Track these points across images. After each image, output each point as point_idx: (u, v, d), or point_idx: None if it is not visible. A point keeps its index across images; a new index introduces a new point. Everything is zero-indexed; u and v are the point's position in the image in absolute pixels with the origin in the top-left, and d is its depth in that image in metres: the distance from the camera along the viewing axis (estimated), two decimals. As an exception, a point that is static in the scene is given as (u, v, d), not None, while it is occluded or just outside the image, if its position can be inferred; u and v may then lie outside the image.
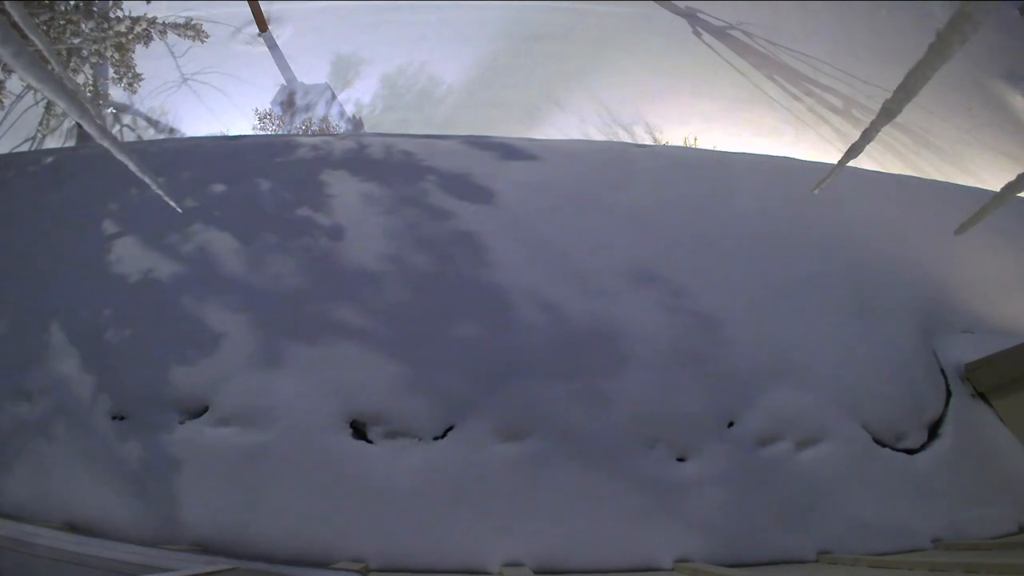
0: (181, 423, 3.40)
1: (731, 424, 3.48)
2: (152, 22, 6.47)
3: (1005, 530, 3.27)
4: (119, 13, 6.46)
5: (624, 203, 4.49)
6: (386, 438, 3.37)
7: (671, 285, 3.98)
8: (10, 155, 5.80)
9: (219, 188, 4.53)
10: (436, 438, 3.38)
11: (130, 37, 6.36)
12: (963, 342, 3.99)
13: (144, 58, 6.96)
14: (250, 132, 7.81)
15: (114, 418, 3.43)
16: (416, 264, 4.02)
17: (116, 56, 6.49)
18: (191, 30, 6.74)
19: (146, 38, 6.50)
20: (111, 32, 6.22)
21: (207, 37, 6.92)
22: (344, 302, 3.81)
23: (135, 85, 6.88)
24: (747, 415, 3.50)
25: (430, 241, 4.15)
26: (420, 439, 3.37)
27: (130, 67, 6.70)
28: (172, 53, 8.52)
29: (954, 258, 4.34)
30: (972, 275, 4.30)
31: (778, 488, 3.32)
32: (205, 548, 3.03)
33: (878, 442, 3.54)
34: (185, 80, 8.56)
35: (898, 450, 3.54)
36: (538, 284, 3.95)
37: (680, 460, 3.38)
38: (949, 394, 3.77)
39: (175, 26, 6.66)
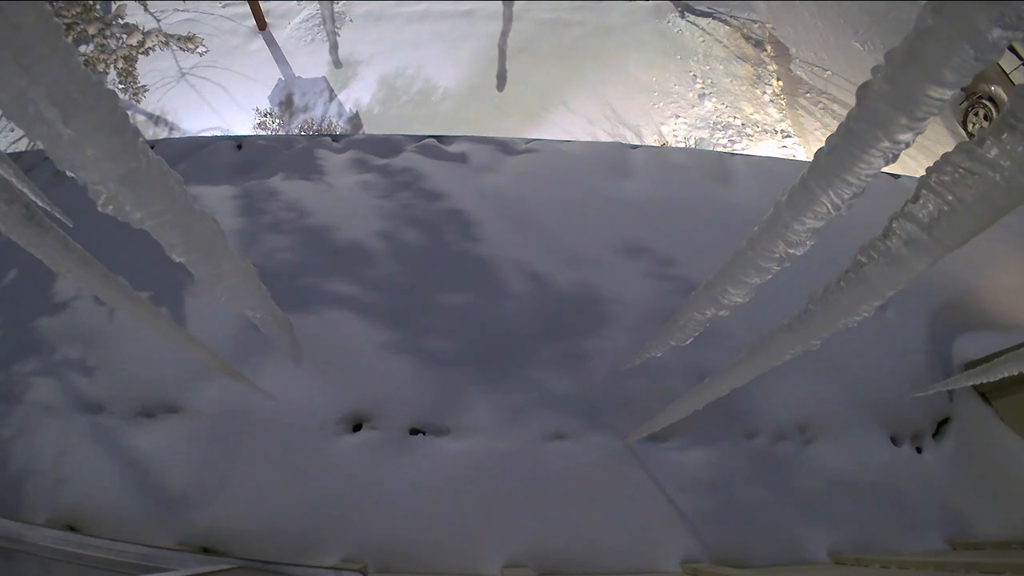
0: (181, 422, 3.38)
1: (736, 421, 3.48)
2: (157, 34, 6.61)
3: (1009, 529, 3.27)
4: (122, 21, 6.53)
5: (618, 194, 4.53)
6: (385, 436, 3.36)
7: (661, 264, 4.02)
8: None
9: (220, 183, 4.52)
10: (434, 435, 3.37)
11: (139, 51, 6.50)
12: (964, 341, 4.00)
13: (144, 58, 6.99)
14: (251, 130, 7.80)
15: (106, 416, 3.42)
16: (411, 241, 4.11)
17: (123, 66, 6.58)
18: (191, 43, 6.92)
19: (150, 49, 6.66)
20: (123, 44, 6.33)
21: (205, 51, 7.13)
22: (339, 306, 3.81)
23: (139, 96, 6.97)
24: (751, 412, 3.50)
25: (425, 222, 4.22)
26: (421, 435, 3.36)
27: (135, 78, 6.80)
28: (174, 57, 8.53)
29: (957, 257, 4.34)
30: (975, 274, 4.30)
31: (787, 486, 3.32)
32: (205, 548, 3.02)
33: (890, 439, 3.54)
34: (184, 75, 8.55)
35: (907, 448, 3.55)
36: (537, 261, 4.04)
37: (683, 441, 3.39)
38: (951, 393, 3.77)
39: (177, 38, 6.84)
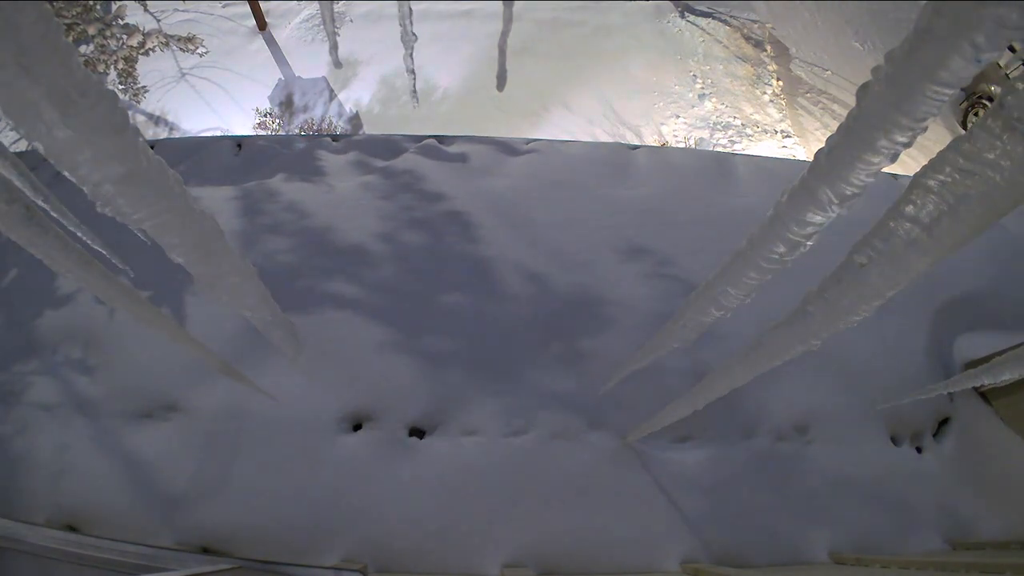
0: (181, 422, 3.38)
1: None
2: (157, 35, 6.65)
3: (1009, 529, 3.27)
4: (122, 21, 6.55)
5: (618, 195, 4.54)
6: (385, 436, 3.36)
7: (661, 264, 4.02)
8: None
9: (220, 183, 4.52)
10: (435, 434, 3.37)
11: (139, 51, 6.54)
12: (964, 341, 4.00)
13: (144, 59, 7.00)
14: (251, 130, 7.80)
15: (106, 415, 3.42)
16: (411, 242, 4.12)
17: (123, 67, 6.61)
18: (191, 43, 6.97)
19: (150, 50, 6.70)
20: (123, 45, 6.36)
21: (205, 52, 7.20)
22: (340, 304, 3.81)
23: (140, 96, 7.00)
24: (751, 412, 3.50)
25: (426, 223, 4.22)
26: (421, 435, 3.36)
27: (135, 78, 6.82)
28: (174, 57, 8.54)
29: (957, 258, 4.34)
30: (973, 275, 4.30)
31: (787, 486, 3.31)
32: (205, 548, 3.02)
33: (890, 439, 3.54)
34: (184, 75, 8.56)
35: (907, 448, 3.55)
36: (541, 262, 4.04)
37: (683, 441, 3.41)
38: (952, 393, 3.77)
39: (177, 38, 6.89)
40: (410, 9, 1.10)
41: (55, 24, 0.65)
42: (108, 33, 6.39)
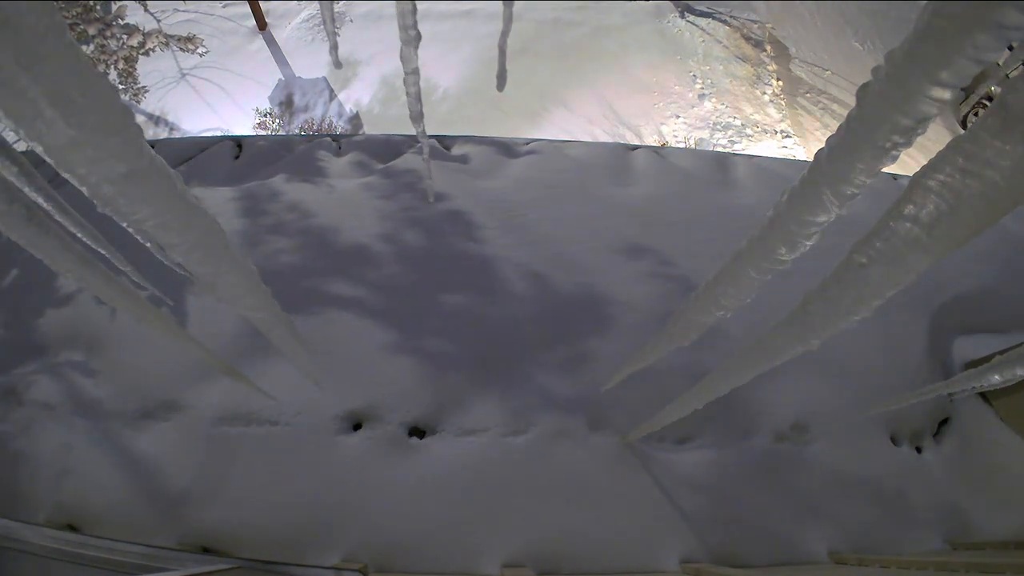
0: (182, 422, 3.38)
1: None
2: (157, 35, 6.67)
3: (1009, 529, 3.27)
4: (122, 21, 6.57)
5: (619, 195, 4.54)
6: (385, 436, 3.36)
7: (661, 264, 4.03)
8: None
9: (221, 184, 4.52)
10: (435, 433, 3.37)
11: (139, 51, 6.57)
12: (964, 341, 4.00)
13: (144, 59, 7.00)
14: (251, 130, 7.80)
15: (107, 415, 3.42)
16: (412, 242, 4.13)
17: (123, 67, 6.63)
18: (191, 43, 7.00)
19: (150, 50, 6.73)
20: (124, 45, 6.39)
21: (205, 52, 7.23)
22: (341, 303, 3.81)
23: (140, 96, 7.02)
24: (751, 412, 3.50)
25: (427, 223, 4.23)
26: (421, 435, 3.36)
27: (135, 78, 6.84)
28: (174, 57, 8.54)
29: (956, 257, 4.34)
30: (974, 275, 4.30)
31: (787, 486, 3.31)
32: (205, 548, 3.02)
33: (890, 439, 3.54)
34: (184, 75, 8.57)
35: (906, 448, 3.55)
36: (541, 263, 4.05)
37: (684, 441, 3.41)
38: (951, 393, 3.77)
39: (177, 38, 6.92)
40: (414, 7, 1.09)
41: (57, 20, 0.64)
42: (108, 33, 6.41)
